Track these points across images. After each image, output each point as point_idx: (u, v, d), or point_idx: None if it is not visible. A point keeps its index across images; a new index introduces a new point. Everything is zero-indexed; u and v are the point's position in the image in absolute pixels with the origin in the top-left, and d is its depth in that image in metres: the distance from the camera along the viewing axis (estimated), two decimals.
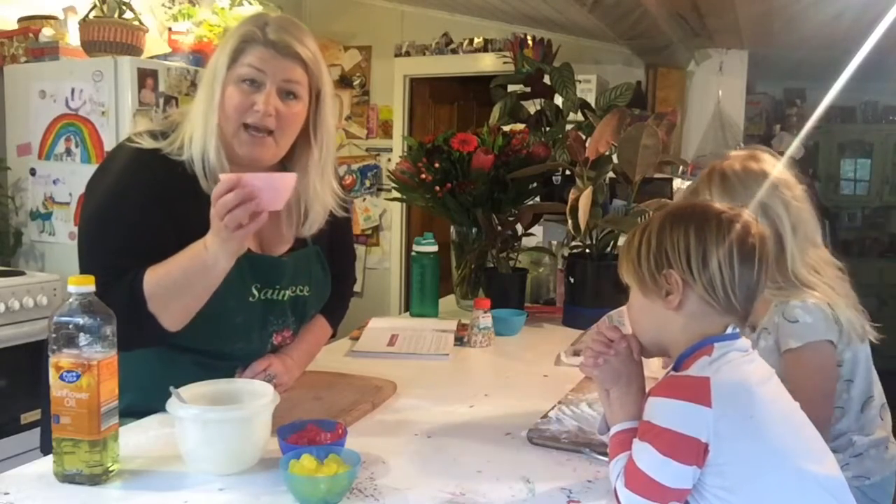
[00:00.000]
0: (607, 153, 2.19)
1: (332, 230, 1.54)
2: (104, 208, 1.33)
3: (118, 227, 1.31)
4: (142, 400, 1.29)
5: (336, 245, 1.59)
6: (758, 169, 1.54)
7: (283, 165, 1.45)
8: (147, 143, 1.35)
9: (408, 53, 5.00)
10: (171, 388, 1.13)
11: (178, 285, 1.26)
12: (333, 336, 1.69)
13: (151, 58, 3.29)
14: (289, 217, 1.46)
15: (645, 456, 0.98)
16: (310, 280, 1.49)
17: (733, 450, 0.97)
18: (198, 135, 1.34)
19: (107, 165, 1.39)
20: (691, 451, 0.97)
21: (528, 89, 2.55)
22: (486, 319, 1.97)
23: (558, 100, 2.52)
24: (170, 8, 3.83)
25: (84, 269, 1.26)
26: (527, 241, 2.44)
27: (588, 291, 2.19)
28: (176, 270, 1.25)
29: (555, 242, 2.55)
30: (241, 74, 1.33)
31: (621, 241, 2.26)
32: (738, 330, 1.07)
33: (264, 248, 1.45)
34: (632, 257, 1.11)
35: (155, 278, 1.26)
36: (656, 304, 1.08)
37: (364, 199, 5.25)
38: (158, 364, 1.32)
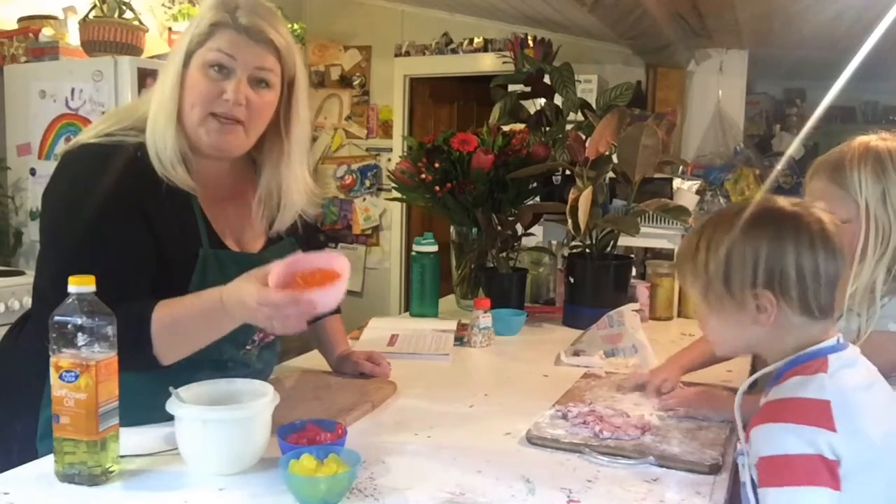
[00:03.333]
0: (607, 153, 2.19)
1: (304, 235, 1.51)
2: (93, 230, 1.23)
3: (108, 251, 1.23)
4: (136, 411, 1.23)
5: (302, 242, 1.53)
6: None
7: (251, 156, 1.41)
8: (107, 140, 1.27)
9: (408, 53, 5.00)
10: (171, 389, 1.13)
11: (189, 335, 1.22)
12: None
13: (151, 58, 3.29)
14: (259, 211, 1.42)
15: (785, 499, 0.91)
16: None
17: (856, 477, 0.93)
18: (160, 124, 1.26)
19: (75, 175, 1.28)
20: (828, 470, 0.91)
21: (528, 89, 2.55)
22: (485, 319, 1.97)
23: (558, 100, 2.52)
24: (170, 8, 3.84)
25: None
26: (527, 241, 2.44)
27: (588, 291, 2.19)
28: (187, 323, 1.21)
29: (555, 242, 2.55)
30: (209, 59, 1.25)
31: (621, 241, 2.27)
32: (843, 340, 1.03)
33: (241, 245, 1.41)
34: (703, 275, 1.04)
35: (162, 326, 1.20)
36: (743, 322, 1.03)
37: (364, 199, 5.26)
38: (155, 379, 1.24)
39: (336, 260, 1.20)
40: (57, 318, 1.04)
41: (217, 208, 1.37)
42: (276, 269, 1.15)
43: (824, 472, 0.92)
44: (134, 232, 1.25)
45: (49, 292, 1.15)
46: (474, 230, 2.31)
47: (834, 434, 0.93)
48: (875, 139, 1.45)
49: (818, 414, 0.94)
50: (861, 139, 1.47)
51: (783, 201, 1.04)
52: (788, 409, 0.97)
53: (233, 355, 1.37)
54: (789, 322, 1.02)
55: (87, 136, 1.30)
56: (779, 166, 4.32)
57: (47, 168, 3.13)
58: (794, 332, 1.03)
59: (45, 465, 1.11)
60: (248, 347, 1.40)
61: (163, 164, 1.27)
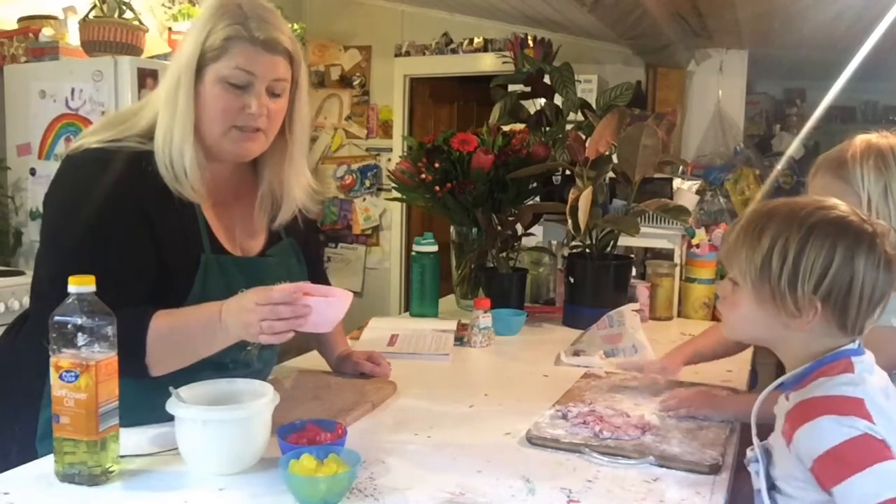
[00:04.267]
0: (607, 153, 2.19)
1: (304, 234, 1.52)
2: (94, 231, 1.24)
3: (109, 252, 1.23)
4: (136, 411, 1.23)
5: (310, 259, 1.56)
6: None
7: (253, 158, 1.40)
8: (125, 148, 1.27)
9: (408, 53, 5.00)
10: (171, 389, 1.13)
11: (182, 348, 1.23)
12: None
13: (151, 57, 3.29)
14: (262, 208, 1.43)
15: (868, 484, 0.89)
16: (289, 275, 1.43)
17: None
18: (176, 139, 1.26)
19: (78, 178, 1.27)
20: (887, 447, 0.90)
21: (528, 89, 2.55)
22: (485, 319, 1.97)
23: (558, 100, 2.52)
24: (170, 8, 3.83)
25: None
26: (527, 241, 2.44)
27: (588, 291, 2.18)
28: (182, 334, 1.22)
29: (555, 242, 2.55)
30: (227, 76, 1.26)
31: (621, 241, 2.27)
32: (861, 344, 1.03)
33: (242, 246, 1.41)
34: (763, 267, 1.01)
35: (158, 336, 1.20)
36: (777, 318, 1.02)
37: (364, 199, 5.26)
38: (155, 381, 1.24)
39: (339, 291, 1.24)
40: (57, 318, 1.04)
41: (219, 212, 1.38)
42: (281, 286, 1.18)
43: (884, 448, 0.91)
44: (135, 236, 1.25)
45: (48, 292, 1.15)
46: (474, 230, 2.31)
47: (875, 426, 0.92)
48: (876, 136, 1.47)
49: (856, 408, 0.93)
50: (862, 137, 1.49)
51: (853, 212, 1.02)
52: (825, 404, 0.96)
53: (234, 357, 1.37)
54: (821, 331, 1.01)
55: (89, 140, 1.30)
56: (779, 166, 4.33)
57: (47, 168, 3.13)
58: (821, 340, 1.02)
59: (45, 465, 1.11)
60: (248, 349, 1.40)
61: (177, 179, 1.27)
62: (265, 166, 1.43)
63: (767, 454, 1.04)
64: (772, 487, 1.02)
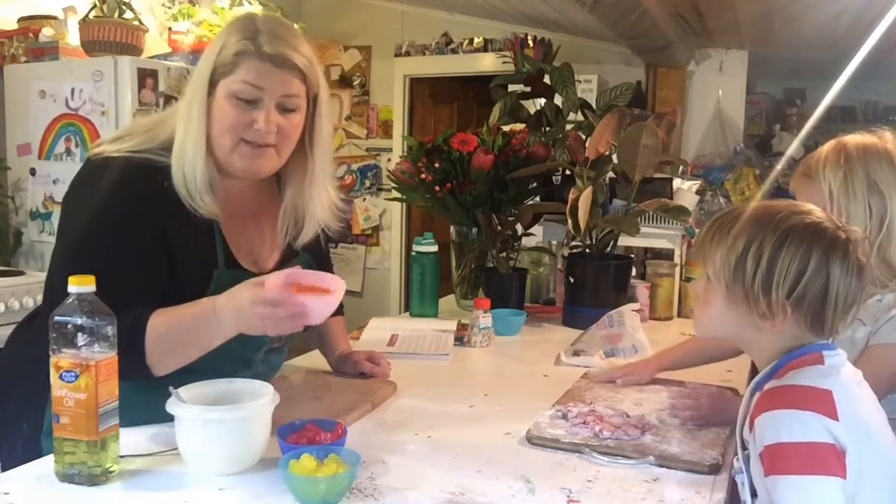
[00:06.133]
0: (607, 153, 2.19)
1: (324, 251, 1.52)
2: (106, 235, 1.24)
3: (117, 258, 1.23)
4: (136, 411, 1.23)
5: (317, 259, 1.55)
6: (881, 146, 1.48)
7: (277, 174, 1.41)
8: (137, 156, 1.27)
9: (408, 53, 5.00)
10: (171, 389, 1.13)
11: (180, 344, 1.21)
12: None
13: (151, 58, 3.28)
14: (283, 225, 1.42)
15: (796, 492, 0.90)
16: None
17: (858, 469, 0.92)
18: (188, 153, 1.26)
19: (96, 182, 1.28)
20: (836, 459, 0.91)
21: (528, 89, 2.55)
22: (485, 319, 1.97)
23: (558, 100, 2.52)
24: (170, 8, 3.83)
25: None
26: (527, 241, 2.44)
27: (588, 291, 2.19)
28: (179, 330, 1.21)
29: (555, 242, 2.55)
30: (236, 90, 1.26)
31: (621, 241, 2.27)
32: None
33: (257, 261, 1.40)
34: (737, 270, 1.02)
35: (156, 335, 1.20)
36: (748, 319, 1.03)
37: (364, 199, 5.26)
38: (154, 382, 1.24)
39: (332, 280, 1.23)
40: (57, 318, 1.04)
41: (235, 226, 1.37)
42: (272, 278, 1.17)
43: (832, 459, 0.91)
44: (146, 245, 1.25)
45: (58, 292, 1.15)
46: (474, 230, 2.31)
47: (837, 423, 0.92)
48: (851, 136, 1.51)
49: (821, 402, 0.94)
50: (839, 137, 1.53)
51: (828, 218, 1.03)
52: (791, 395, 0.96)
53: (235, 366, 1.36)
54: (792, 332, 1.02)
55: (112, 147, 1.30)
56: (779, 166, 4.32)
57: (47, 168, 3.13)
58: (791, 341, 1.03)
59: (45, 465, 1.11)
60: (250, 358, 1.41)
61: (190, 194, 1.27)
62: (287, 184, 1.42)
63: (748, 461, 1.04)
64: (753, 494, 1.02)
